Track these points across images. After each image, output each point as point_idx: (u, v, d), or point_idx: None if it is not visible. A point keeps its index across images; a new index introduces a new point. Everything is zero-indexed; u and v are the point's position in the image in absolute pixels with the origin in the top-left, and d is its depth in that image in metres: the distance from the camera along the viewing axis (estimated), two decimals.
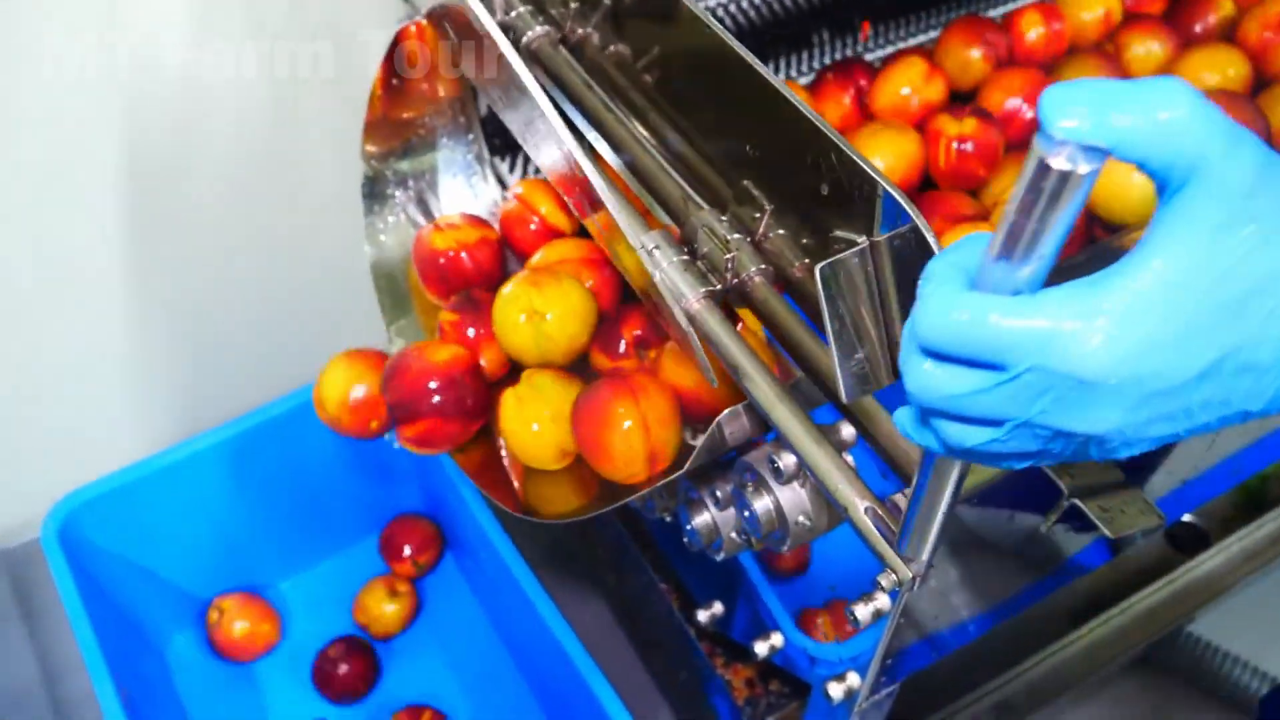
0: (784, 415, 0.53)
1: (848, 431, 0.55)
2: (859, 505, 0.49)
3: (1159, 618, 0.96)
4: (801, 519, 0.57)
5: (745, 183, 0.59)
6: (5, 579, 1.16)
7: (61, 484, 0.97)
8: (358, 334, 0.81)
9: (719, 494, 0.63)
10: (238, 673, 1.08)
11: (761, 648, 0.73)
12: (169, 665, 1.08)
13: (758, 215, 0.58)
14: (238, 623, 1.06)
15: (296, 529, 1.11)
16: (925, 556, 0.45)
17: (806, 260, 0.56)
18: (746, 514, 0.59)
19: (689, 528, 0.66)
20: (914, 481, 0.43)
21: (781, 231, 0.57)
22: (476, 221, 0.78)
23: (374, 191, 0.83)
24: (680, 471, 0.60)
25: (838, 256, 0.45)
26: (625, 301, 0.72)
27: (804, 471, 0.56)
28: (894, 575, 0.47)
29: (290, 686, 1.07)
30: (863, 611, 0.55)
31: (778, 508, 0.57)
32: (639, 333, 0.68)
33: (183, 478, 0.98)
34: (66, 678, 1.08)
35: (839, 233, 0.48)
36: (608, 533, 0.96)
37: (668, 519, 0.75)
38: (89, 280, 1.03)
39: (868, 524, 0.49)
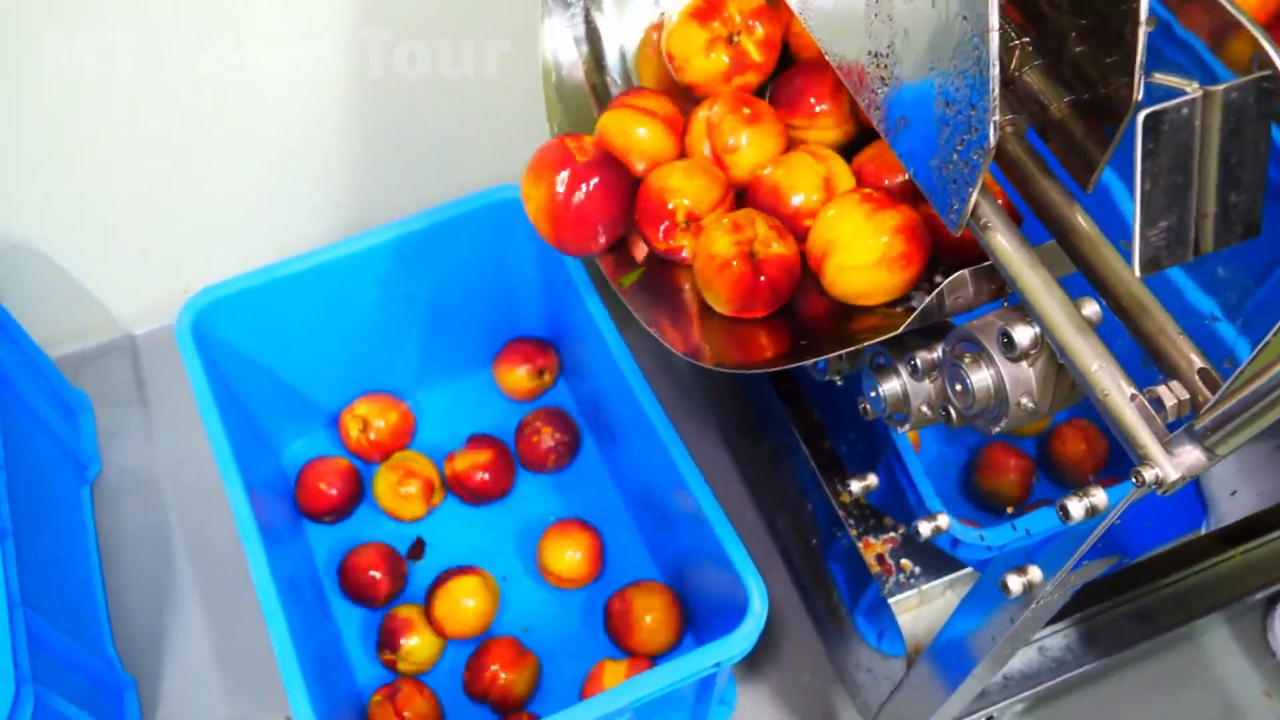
0: (1035, 284, 0.48)
1: (1092, 310, 0.49)
2: (1124, 392, 0.44)
3: None
4: (1025, 400, 0.52)
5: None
6: (130, 365, 1.17)
7: (197, 279, 0.96)
8: (527, 145, 0.76)
9: (916, 362, 0.58)
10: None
11: (925, 528, 0.70)
12: (284, 469, 1.09)
13: (1012, 44, 0.51)
14: (378, 421, 1.06)
15: (421, 348, 1.09)
16: (1224, 452, 0.40)
17: (1071, 99, 0.49)
18: (958, 387, 0.54)
19: (873, 395, 0.62)
20: (1251, 368, 0.37)
21: (1039, 63, 0.51)
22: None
23: None
24: (890, 335, 0.55)
25: (1165, 104, 0.38)
26: None
27: (1036, 349, 0.50)
28: (1157, 471, 0.42)
29: None
30: (1076, 507, 0.51)
31: (999, 385, 0.52)
32: None
33: (317, 284, 0.96)
34: (186, 467, 1.10)
35: (1160, 75, 0.41)
36: (752, 388, 0.92)
37: (838, 382, 0.71)
38: (271, 78, 1.00)
39: (1130, 412, 0.43)
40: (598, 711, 0.75)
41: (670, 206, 0.66)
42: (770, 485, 0.97)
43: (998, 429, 0.54)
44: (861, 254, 0.60)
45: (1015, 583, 0.58)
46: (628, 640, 0.95)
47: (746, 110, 0.67)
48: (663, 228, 0.67)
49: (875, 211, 0.60)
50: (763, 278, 0.63)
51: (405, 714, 0.91)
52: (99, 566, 1.03)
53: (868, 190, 0.63)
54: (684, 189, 0.66)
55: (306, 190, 1.12)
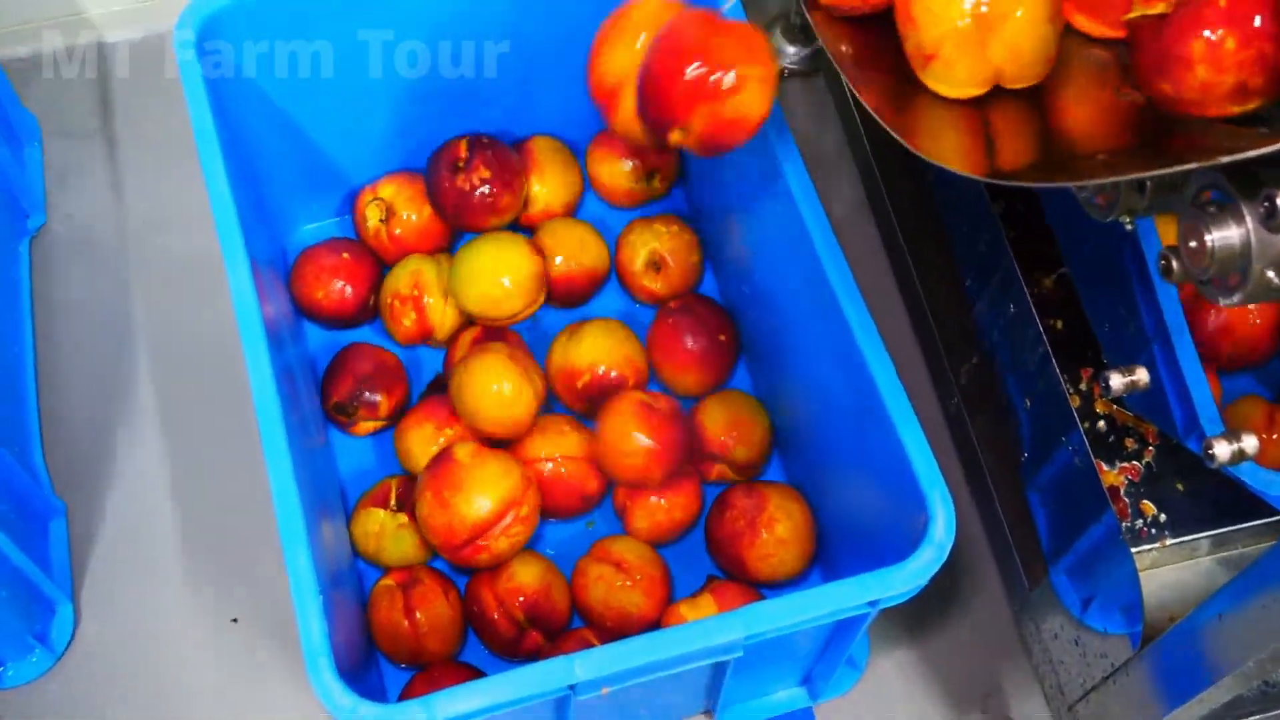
0: None
1: None
2: None
3: None
4: None
5: None
6: (94, 86, 1.15)
7: None
8: None
9: (1277, 202, 0.53)
10: None
11: (1224, 450, 0.65)
12: (287, 257, 1.07)
13: None
14: (407, 214, 1.04)
15: (491, 117, 1.06)
16: None
17: None
18: None
19: (1194, 245, 0.57)
20: None
21: None
22: None
23: None
24: (1258, 152, 0.50)
25: None
26: None
27: None
28: None
29: None
30: None
31: None
32: None
33: (360, 9, 0.93)
34: (157, 232, 1.10)
35: None
36: (964, 226, 0.88)
37: (1128, 225, 0.66)
38: None
39: None
40: (703, 641, 0.72)
41: None
42: (967, 370, 0.93)
43: None
44: None
45: None
46: (742, 551, 0.92)
47: None
48: None
49: None
50: None
51: (418, 615, 0.89)
52: (32, 349, 1.03)
53: None
54: None
55: None
